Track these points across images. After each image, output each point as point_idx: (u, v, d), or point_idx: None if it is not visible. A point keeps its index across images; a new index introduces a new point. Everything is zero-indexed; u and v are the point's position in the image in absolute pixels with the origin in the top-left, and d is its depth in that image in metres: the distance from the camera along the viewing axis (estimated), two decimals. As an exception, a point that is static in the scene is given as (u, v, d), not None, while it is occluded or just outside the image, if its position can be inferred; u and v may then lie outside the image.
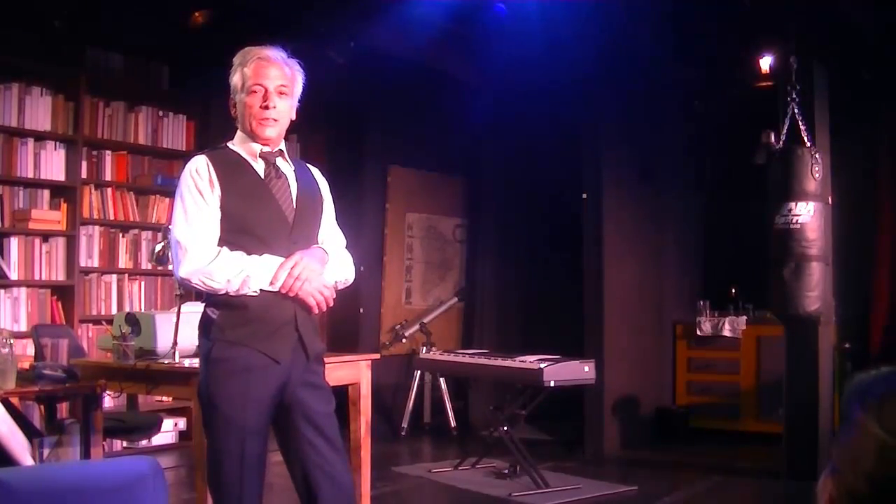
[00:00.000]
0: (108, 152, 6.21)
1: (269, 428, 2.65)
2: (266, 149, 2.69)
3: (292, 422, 2.63)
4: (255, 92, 2.63)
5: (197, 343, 2.79)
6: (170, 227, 2.68)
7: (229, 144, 2.72)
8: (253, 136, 2.67)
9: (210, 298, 2.63)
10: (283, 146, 2.75)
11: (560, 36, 5.81)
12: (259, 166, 2.68)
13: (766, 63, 5.98)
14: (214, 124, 6.71)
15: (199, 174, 2.60)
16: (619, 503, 4.96)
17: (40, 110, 5.77)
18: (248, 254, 2.58)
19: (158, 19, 5.88)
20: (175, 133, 6.55)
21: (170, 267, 2.61)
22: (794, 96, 5.08)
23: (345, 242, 2.89)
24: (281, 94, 2.66)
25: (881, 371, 0.91)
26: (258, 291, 2.57)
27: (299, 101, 2.77)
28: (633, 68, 6.23)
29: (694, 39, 6.05)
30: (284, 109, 2.68)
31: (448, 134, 7.43)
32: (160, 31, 6.11)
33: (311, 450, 2.63)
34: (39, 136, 5.77)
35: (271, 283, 2.58)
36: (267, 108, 2.63)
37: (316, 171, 2.90)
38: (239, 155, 2.68)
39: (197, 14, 5.72)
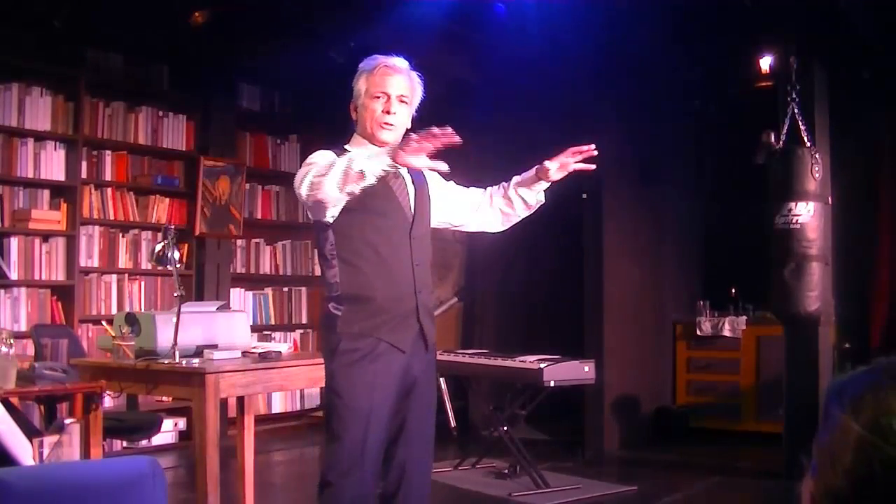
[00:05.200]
0: (108, 152, 6.21)
1: (390, 416, 2.74)
2: None
3: (402, 411, 2.76)
4: (378, 98, 2.78)
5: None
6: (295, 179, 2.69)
7: (346, 147, 2.83)
8: (372, 138, 2.79)
9: (332, 295, 2.73)
10: None
11: (560, 36, 5.81)
12: None
13: (766, 63, 5.97)
14: (214, 124, 6.71)
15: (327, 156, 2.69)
16: (618, 503, 4.96)
17: (40, 110, 5.77)
18: (370, 247, 2.70)
19: (158, 19, 5.87)
20: (175, 133, 6.55)
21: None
22: (794, 96, 5.08)
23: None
24: (401, 101, 2.80)
25: (857, 370, 0.93)
26: (374, 176, 2.50)
27: (417, 112, 2.90)
28: (633, 68, 6.23)
29: (694, 39, 6.05)
30: (403, 117, 2.83)
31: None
32: (160, 31, 6.10)
33: (408, 441, 2.79)
34: (39, 136, 5.77)
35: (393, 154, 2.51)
36: (388, 112, 2.77)
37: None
38: None
39: (197, 14, 5.71)
